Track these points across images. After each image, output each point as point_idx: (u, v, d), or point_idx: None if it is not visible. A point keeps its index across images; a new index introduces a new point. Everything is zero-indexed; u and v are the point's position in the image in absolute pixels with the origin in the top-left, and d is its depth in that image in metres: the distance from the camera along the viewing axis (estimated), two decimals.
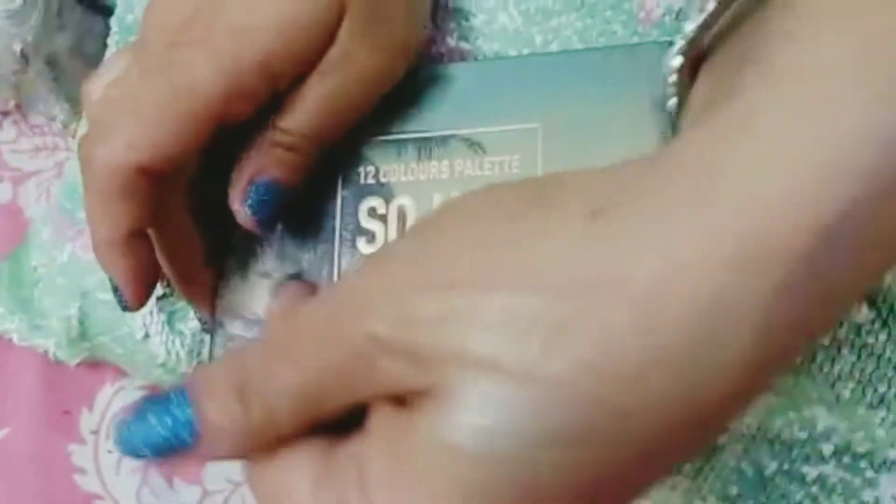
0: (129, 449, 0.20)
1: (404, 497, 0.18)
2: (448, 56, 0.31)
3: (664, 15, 0.29)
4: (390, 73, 0.28)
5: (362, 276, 0.20)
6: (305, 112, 0.26)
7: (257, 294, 0.30)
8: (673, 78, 0.22)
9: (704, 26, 0.20)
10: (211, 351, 0.30)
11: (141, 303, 0.28)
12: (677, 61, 0.21)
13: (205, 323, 0.32)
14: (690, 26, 0.20)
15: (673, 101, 0.22)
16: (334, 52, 0.26)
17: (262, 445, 0.20)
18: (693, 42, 0.21)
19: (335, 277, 0.29)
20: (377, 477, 0.18)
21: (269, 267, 0.30)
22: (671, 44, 0.22)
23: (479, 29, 0.31)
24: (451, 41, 0.31)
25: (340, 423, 0.20)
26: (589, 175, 0.19)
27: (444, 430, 0.17)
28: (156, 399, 0.20)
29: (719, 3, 0.20)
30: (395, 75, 0.28)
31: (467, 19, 0.31)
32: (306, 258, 0.29)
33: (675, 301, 0.16)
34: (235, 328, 0.30)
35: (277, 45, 0.25)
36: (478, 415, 0.17)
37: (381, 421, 0.19)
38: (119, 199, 0.25)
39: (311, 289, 0.27)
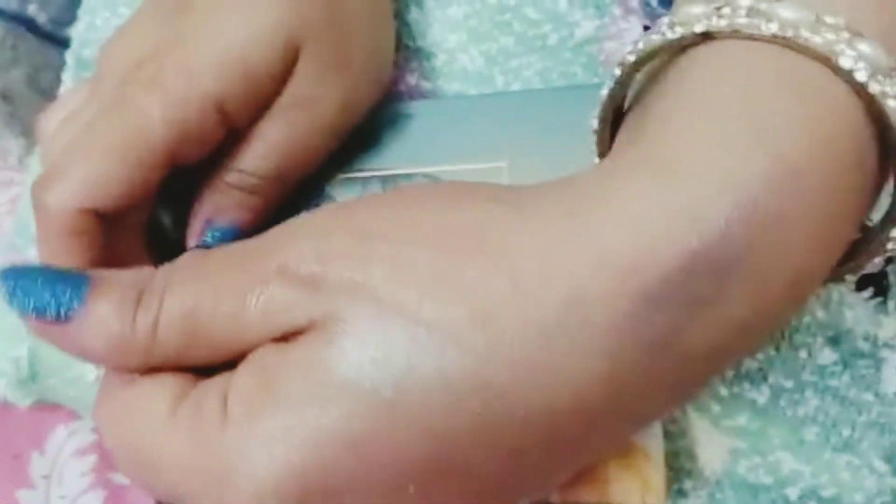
0: (9, 294, 0.19)
1: (266, 423, 0.17)
2: (409, 94, 0.30)
3: None
4: (350, 113, 0.26)
5: (292, 221, 0.20)
6: (264, 154, 0.25)
7: None
8: (594, 138, 0.22)
9: (613, 92, 0.21)
10: None
11: None
12: (594, 124, 0.21)
13: None
14: (604, 91, 0.21)
15: (595, 160, 0.22)
16: (291, 93, 0.24)
17: (129, 359, 0.19)
18: (607, 105, 0.21)
19: None
20: (242, 401, 0.17)
21: None
22: None
23: (440, 69, 0.30)
24: (412, 80, 0.30)
25: None
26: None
27: (325, 360, 0.17)
28: (58, 269, 0.20)
29: (622, 73, 0.20)
30: (355, 116, 0.26)
31: (429, 59, 0.30)
32: None
33: (546, 288, 0.17)
34: None
35: (228, 86, 0.23)
36: (361, 346, 0.17)
37: (257, 355, 0.18)
38: (70, 240, 0.23)
39: None
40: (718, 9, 0.18)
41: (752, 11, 0.18)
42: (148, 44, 0.24)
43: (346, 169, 0.27)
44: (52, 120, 0.26)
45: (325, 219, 0.19)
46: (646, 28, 0.28)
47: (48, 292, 0.19)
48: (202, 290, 0.19)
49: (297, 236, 0.19)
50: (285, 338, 0.18)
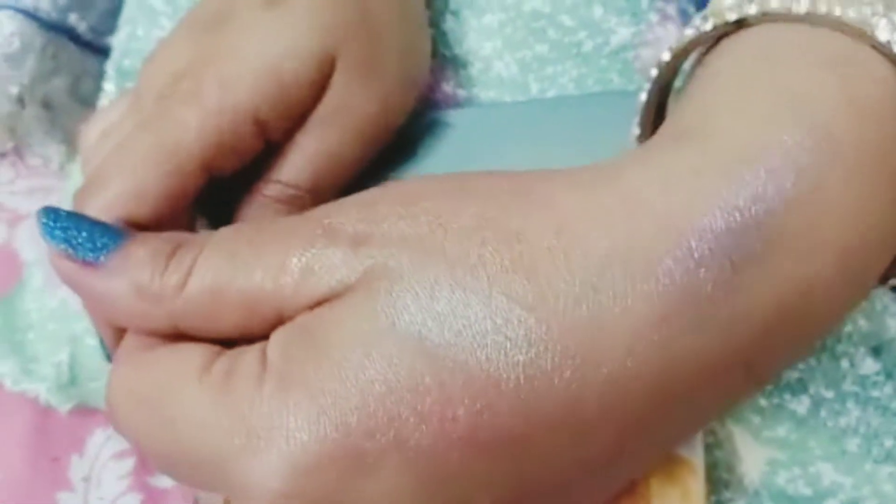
0: (46, 228, 0.19)
1: (310, 376, 0.16)
2: (445, 103, 0.29)
3: None
4: (385, 122, 0.26)
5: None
6: (302, 164, 0.24)
7: None
8: (636, 144, 0.21)
9: (651, 94, 0.20)
10: None
11: None
12: (636, 130, 0.21)
13: None
14: (642, 96, 0.20)
15: (636, 130, 0.22)
16: (327, 104, 0.24)
17: (152, 315, 0.18)
18: (647, 108, 0.21)
19: None
20: (282, 356, 0.17)
21: None
22: None
23: (475, 77, 0.29)
24: (448, 88, 0.30)
25: None
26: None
27: (373, 311, 0.16)
28: (99, 220, 0.20)
29: (659, 73, 0.20)
30: (391, 124, 0.26)
31: (464, 67, 0.29)
32: None
33: (590, 232, 0.17)
34: None
35: (262, 97, 0.23)
36: (410, 295, 0.16)
37: (297, 319, 0.18)
38: None
39: None
40: None
41: None
42: (186, 59, 0.24)
43: (384, 177, 0.27)
44: (92, 131, 0.26)
45: (371, 191, 0.19)
46: None
47: (85, 232, 0.19)
48: (240, 249, 0.18)
49: (344, 204, 0.19)
50: (323, 304, 0.17)
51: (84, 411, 0.32)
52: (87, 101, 0.37)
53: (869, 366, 0.23)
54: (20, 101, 0.36)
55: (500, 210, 0.17)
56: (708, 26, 0.19)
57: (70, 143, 0.37)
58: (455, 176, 0.19)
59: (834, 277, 0.17)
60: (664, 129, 0.19)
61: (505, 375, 0.16)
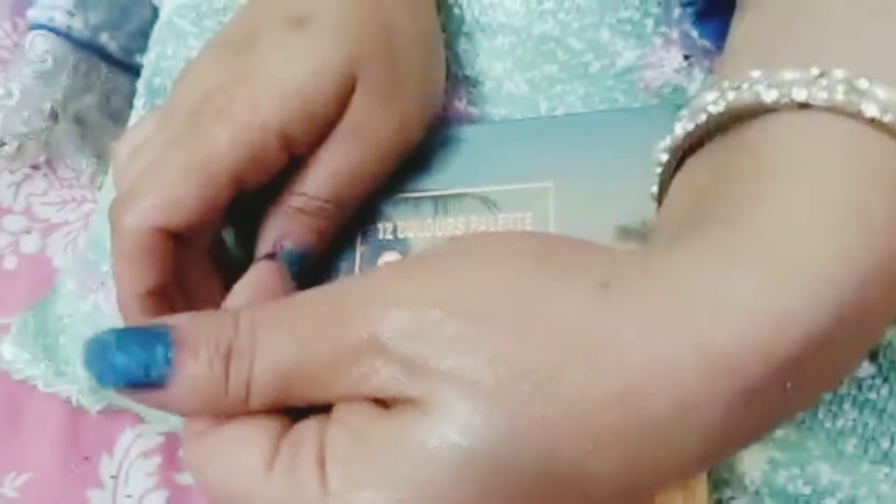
0: (99, 378, 0.19)
1: (364, 487, 0.17)
2: (458, 119, 0.30)
3: (662, 87, 0.28)
4: (404, 138, 0.27)
5: (378, 278, 0.19)
6: (325, 178, 0.26)
7: None
8: (658, 170, 0.21)
9: (691, 133, 0.20)
10: None
11: None
12: (664, 157, 0.21)
13: None
14: (679, 130, 0.20)
15: (655, 188, 0.22)
16: (348, 121, 0.25)
17: (222, 413, 0.19)
18: (680, 144, 0.20)
19: None
20: (339, 463, 0.17)
21: None
22: (678, 107, 0.21)
23: (487, 95, 0.30)
24: (461, 106, 0.31)
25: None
26: (597, 249, 0.19)
27: (423, 437, 0.17)
28: (136, 334, 0.19)
29: (707, 120, 0.19)
30: (409, 140, 0.27)
31: (476, 86, 0.30)
32: None
33: (654, 393, 0.16)
34: None
35: (288, 115, 0.24)
36: (457, 433, 0.17)
37: (353, 412, 0.18)
38: (143, 259, 0.24)
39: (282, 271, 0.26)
40: (817, 78, 0.17)
41: (849, 89, 0.17)
42: (216, 78, 0.25)
43: (401, 190, 0.28)
44: (124, 148, 0.27)
45: (410, 287, 0.18)
46: (686, 57, 0.28)
47: (134, 363, 0.18)
48: (292, 352, 0.18)
49: (388, 305, 0.18)
50: (377, 399, 0.18)
51: (113, 412, 0.33)
52: (116, 116, 0.39)
53: (865, 369, 0.24)
54: (53, 116, 0.37)
55: (554, 356, 0.17)
56: (770, 97, 0.18)
57: (100, 156, 0.39)
58: (502, 282, 0.18)
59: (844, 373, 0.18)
60: (717, 224, 0.18)
61: None
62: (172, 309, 0.26)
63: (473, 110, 0.30)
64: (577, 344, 0.17)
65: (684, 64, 0.28)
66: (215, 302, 0.28)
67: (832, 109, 0.17)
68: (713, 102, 0.19)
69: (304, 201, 0.26)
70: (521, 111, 0.30)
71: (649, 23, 0.29)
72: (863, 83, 0.17)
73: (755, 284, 0.16)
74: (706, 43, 0.28)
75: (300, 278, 0.28)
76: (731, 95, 0.18)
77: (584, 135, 0.27)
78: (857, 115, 0.17)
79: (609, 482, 0.17)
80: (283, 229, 0.26)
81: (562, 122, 0.28)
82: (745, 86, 0.18)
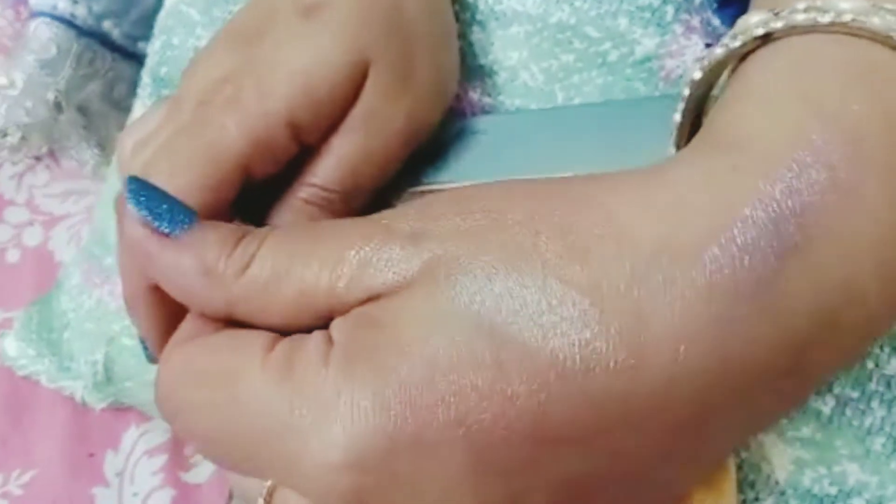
0: (132, 194, 0.20)
1: (375, 362, 0.16)
2: (472, 110, 0.29)
3: (683, 76, 0.27)
4: (417, 129, 0.26)
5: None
6: (335, 167, 0.25)
7: None
8: (674, 134, 0.21)
9: (685, 113, 0.21)
10: None
11: None
12: (677, 118, 0.21)
13: None
14: (676, 116, 0.20)
15: (672, 149, 0.22)
16: (360, 110, 0.24)
17: (213, 293, 0.19)
18: (681, 127, 0.21)
19: None
20: (349, 341, 0.17)
21: None
22: None
23: (502, 85, 0.29)
24: (475, 96, 0.29)
25: None
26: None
27: (437, 300, 0.16)
28: (177, 198, 0.20)
29: (691, 92, 0.20)
30: (422, 129, 0.26)
31: (491, 76, 0.29)
32: None
33: (640, 235, 0.17)
34: None
35: (297, 104, 0.23)
36: (470, 284, 0.16)
37: (356, 310, 0.18)
38: None
39: None
40: (777, 13, 0.18)
41: (809, 8, 0.18)
42: (225, 69, 0.25)
43: (413, 183, 0.27)
44: (129, 139, 0.26)
45: (426, 197, 0.20)
46: (707, 45, 0.27)
47: (166, 206, 0.20)
48: (300, 242, 0.19)
49: (399, 208, 0.19)
50: (379, 298, 0.18)
51: (119, 409, 0.32)
52: (120, 105, 0.38)
53: (894, 366, 0.23)
54: (57, 106, 0.36)
55: (550, 207, 0.17)
56: (736, 43, 0.19)
57: (104, 146, 0.38)
58: (504, 181, 0.19)
59: (872, 281, 0.17)
60: (701, 136, 0.19)
61: (561, 355, 0.16)
62: (175, 306, 0.25)
63: (488, 101, 0.29)
64: (561, 193, 0.18)
65: (706, 52, 0.27)
66: None
67: (794, 31, 0.18)
68: (696, 70, 0.20)
69: (312, 192, 0.25)
70: (537, 102, 0.29)
71: (669, 10, 0.27)
72: (819, 1, 0.18)
73: (722, 159, 0.17)
74: (728, 29, 0.27)
75: None
76: (706, 60, 0.20)
77: (604, 125, 0.26)
78: (817, 27, 0.18)
79: (612, 324, 0.16)
80: (289, 222, 0.25)
81: (581, 111, 0.27)
82: (719, 44, 0.20)
